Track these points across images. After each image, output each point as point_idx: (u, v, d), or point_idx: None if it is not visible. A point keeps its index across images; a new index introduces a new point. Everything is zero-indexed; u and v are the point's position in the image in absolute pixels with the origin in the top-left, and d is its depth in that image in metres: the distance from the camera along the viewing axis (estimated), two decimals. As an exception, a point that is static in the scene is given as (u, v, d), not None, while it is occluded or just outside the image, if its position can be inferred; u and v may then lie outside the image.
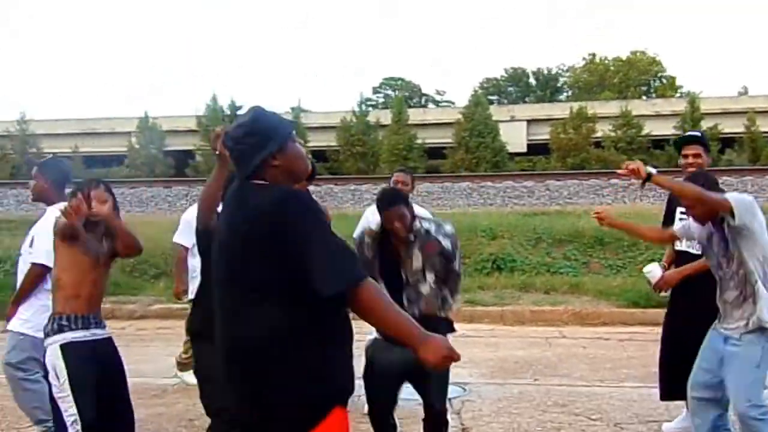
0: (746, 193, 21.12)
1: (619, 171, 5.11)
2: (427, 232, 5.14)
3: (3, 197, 24.15)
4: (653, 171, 4.91)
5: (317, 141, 36.54)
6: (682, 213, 5.74)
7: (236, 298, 3.15)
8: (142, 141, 39.29)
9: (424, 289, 5.06)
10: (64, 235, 4.72)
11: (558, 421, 6.62)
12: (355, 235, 5.93)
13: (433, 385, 5.10)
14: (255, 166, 3.20)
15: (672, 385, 5.97)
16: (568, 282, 13.25)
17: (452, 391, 7.52)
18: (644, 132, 36.69)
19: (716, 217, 4.95)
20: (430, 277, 5.09)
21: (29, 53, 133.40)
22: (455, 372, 8.17)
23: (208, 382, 4.87)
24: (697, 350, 5.22)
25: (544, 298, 12.59)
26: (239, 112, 39.21)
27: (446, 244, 5.16)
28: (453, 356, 3.03)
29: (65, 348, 4.64)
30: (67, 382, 4.58)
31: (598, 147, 36.22)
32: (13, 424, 6.88)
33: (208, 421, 6.62)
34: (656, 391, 7.32)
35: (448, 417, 6.56)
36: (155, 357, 9.60)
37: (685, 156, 6.21)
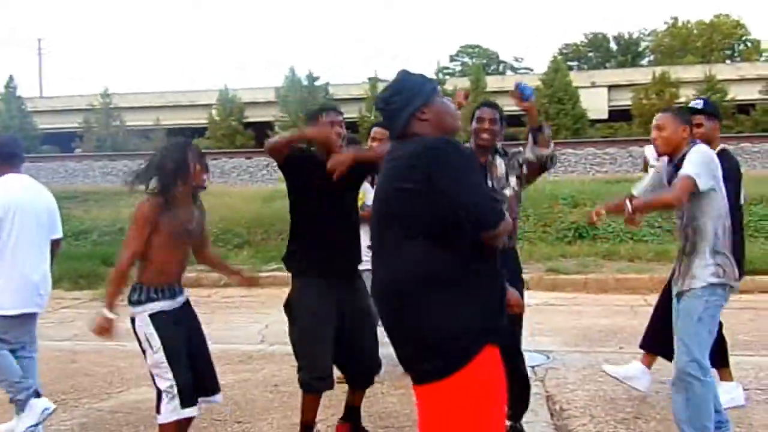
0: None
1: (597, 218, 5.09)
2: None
3: (89, 169, 24.72)
4: (629, 207, 4.87)
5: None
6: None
7: (387, 240, 3.39)
8: (222, 113, 39.81)
9: (508, 192, 5.37)
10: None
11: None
12: None
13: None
14: (405, 121, 3.44)
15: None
16: (653, 249, 12.95)
17: (536, 359, 7.51)
18: (729, 97, 35.85)
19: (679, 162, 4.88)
20: (513, 180, 5.42)
21: (112, 28, 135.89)
22: (538, 340, 8.16)
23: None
24: None
25: (628, 266, 12.37)
26: (316, 83, 39.51)
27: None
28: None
29: (155, 317, 4.64)
30: (161, 349, 4.60)
31: (682, 112, 35.55)
32: (104, 389, 7.04)
33: (293, 386, 6.72)
34: (745, 359, 7.25)
35: (530, 382, 6.55)
36: (240, 324, 9.75)
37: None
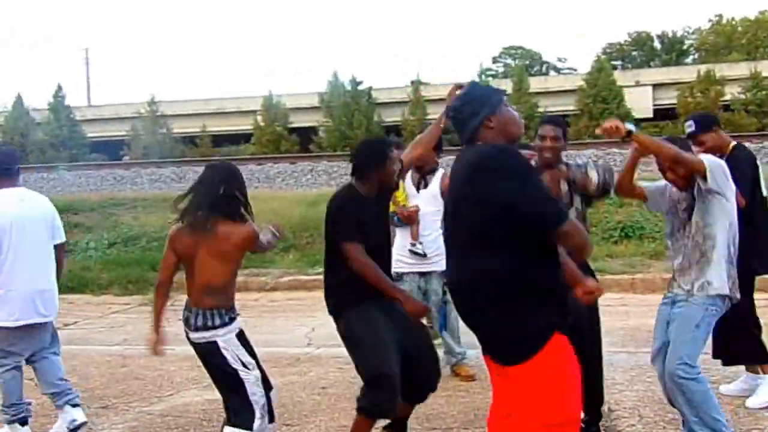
0: None
1: (597, 130, 5.02)
2: (568, 165, 5.49)
3: (137, 176, 24.98)
4: (633, 128, 4.80)
5: (438, 113, 36.42)
6: None
7: (459, 244, 3.71)
8: (267, 119, 40.05)
9: (572, 213, 5.25)
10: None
11: (693, 389, 6.45)
12: None
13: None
14: (473, 129, 3.70)
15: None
16: (699, 249, 12.78)
17: (583, 359, 7.46)
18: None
19: (691, 182, 4.87)
20: (577, 200, 5.44)
21: (157, 36, 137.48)
22: (585, 340, 8.12)
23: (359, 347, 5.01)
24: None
25: (675, 266, 12.23)
26: (359, 88, 39.61)
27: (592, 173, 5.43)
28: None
29: (240, 336, 4.80)
30: (255, 366, 4.76)
31: (728, 110, 35.03)
32: (154, 392, 7.14)
33: (340, 389, 6.78)
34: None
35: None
36: (286, 327, 9.82)
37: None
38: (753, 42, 61.41)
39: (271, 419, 4.83)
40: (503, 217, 3.45)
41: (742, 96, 35.51)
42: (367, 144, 5.46)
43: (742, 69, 38.02)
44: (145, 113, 41.51)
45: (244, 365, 4.72)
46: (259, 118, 40.25)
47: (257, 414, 4.70)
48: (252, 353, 4.80)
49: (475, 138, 3.71)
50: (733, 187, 4.93)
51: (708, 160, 4.84)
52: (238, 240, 4.77)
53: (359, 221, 4.90)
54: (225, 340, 4.72)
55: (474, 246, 3.57)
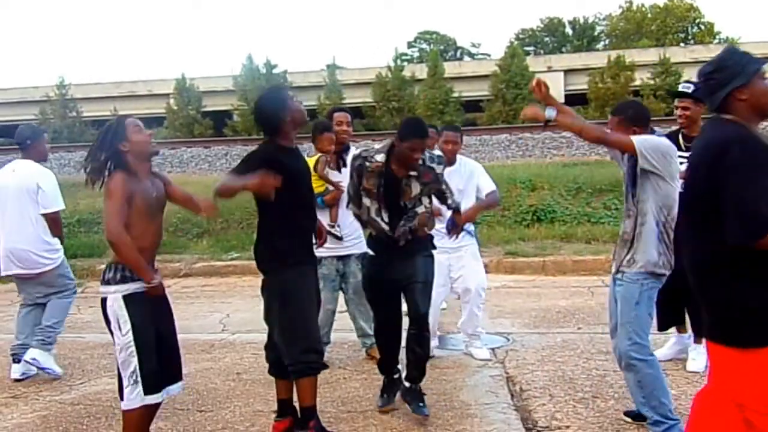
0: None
1: (521, 116, 5.17)
2: (423, 162, 5.53)
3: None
4: (552, 114, 4.91)
5: (353, 97, 36.54)
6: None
7: (693, 216, 3.54)
8: (180, 102, 39.46)
9: (420, 209, 5.55)
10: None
11: (603, 369, 6.59)
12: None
13: (418, 294, 5.50)
14: (721, 99, 3.49)
15: (666, 317, 6.44)
16: (609, 231, 13.02)
17: (496, 340, 7.60)
18: (683, 79, 36.14)
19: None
20: (426, 200, 5.62)
21: (67, 18, 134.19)
22: (498, 322, 8.26)
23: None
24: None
25: (585, 248, 12.50)
26: (274, 71, 39.30)
27: (438, 169, 5.64)
28: None
29: (128, 298, 4.59)
30: (130, 332, 4.57)
31: (637, 95, 35.72)
32: (65, 381, 7.01)
33: (255, 374, 6.76)
34: (701, 338, 7.37)
35: (490, 364, 6.67)
36: (201, 314, 9.72)
37: (676, 107, 6.44)
38: (662, 28, 62.95)
39: (153, 391, 4.66)
40: (720, 205, 3.28)
41: (651, 81, 36.25)
42: (264, 98, 5.31)
43: (651, 55, 38.82)
44: (54, 96, 40.49)
45: (119, 327, 4.57)
46: (171, 101, 39.64)
47: (125, 382, 4.61)
48: (142, 322, 4.59)
49: (723, 109, 3.49)
50: (677, 167, 4.87)
51: (640, 139, 4.76)
52: (106, 188, 4.58)
53: (267, 162, 4.92)
54: (113, 298, 4.59)
55: (709, 222, 3.37)
